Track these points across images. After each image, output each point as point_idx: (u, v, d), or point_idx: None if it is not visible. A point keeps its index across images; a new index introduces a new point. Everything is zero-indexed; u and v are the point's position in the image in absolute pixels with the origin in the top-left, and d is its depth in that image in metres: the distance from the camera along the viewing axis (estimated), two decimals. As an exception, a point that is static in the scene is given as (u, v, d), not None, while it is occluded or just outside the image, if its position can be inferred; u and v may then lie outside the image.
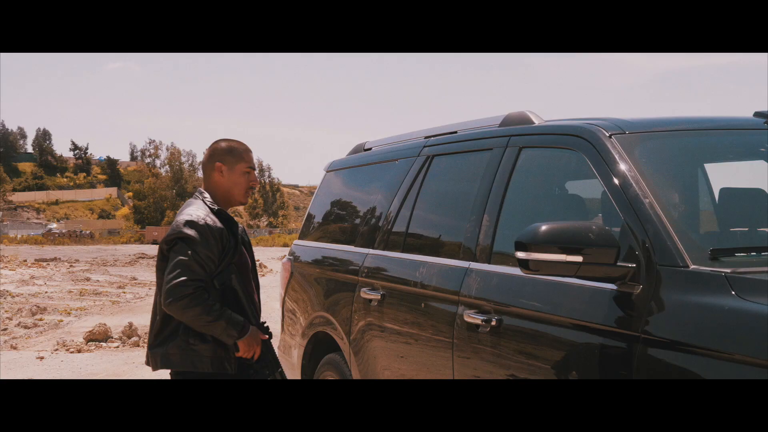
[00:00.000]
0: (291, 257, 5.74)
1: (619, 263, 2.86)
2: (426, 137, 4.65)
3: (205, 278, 3.62)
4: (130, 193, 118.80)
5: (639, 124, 3.42)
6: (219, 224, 3.70)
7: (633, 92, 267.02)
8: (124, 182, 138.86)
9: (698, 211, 3.37)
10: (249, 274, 3.90)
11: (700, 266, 2.70)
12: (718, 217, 3.70)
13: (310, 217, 5.83)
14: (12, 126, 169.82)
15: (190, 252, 3.59)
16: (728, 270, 2.61)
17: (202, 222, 3.64)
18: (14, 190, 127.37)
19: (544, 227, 2.87)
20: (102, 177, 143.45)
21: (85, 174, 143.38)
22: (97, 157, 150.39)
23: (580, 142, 3.34)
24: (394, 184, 4.63)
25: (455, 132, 4.41)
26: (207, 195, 3.84)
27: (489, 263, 3.60)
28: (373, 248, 4.62)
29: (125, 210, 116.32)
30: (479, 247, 3.70)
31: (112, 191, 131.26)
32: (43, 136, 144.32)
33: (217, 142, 3.93)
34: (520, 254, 2.90)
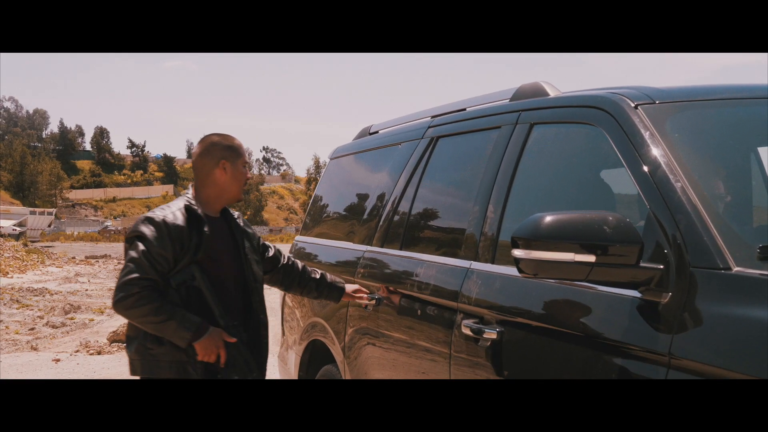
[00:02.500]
0: (291, 255, 5.19)
1: (642, 264, 2.24)
2: (432, 117, 4.06)
3: (156, 277, 3.37)
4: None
5: (673, 92, 2.77)
6: (180, 222, 3.47)
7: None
8: (181, 179, 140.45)
9: (746, 200, 2.69)
10: (225, 272, 3.58)
11: (746, 269, 2.07)
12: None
13: (312, 209, 5.29)
14: (71, 124, 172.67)
15: (143, 250, 3.38)
16: (784, 274, 1.98)
17: (159, 219, 3.45)
18: (72, 187, 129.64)
19: (547, 218, 2.28)
20: (159, 174, 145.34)
21: (142, 171, 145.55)
22: (154, 155, 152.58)
23: (599, 115, 2.72)
24: (396, 172, 4.05)
25: (463, 109, 3.80)
26: (190, 193, 3.65)
27: (492, 263, 3.01)
28: (371, 245, 4.05)
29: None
30: (482, 244, 3.10)
31: (169, 188, 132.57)
32: (101, 134, 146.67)
33: (210, 137, 3.73)
34: (518, 252, 2.32)
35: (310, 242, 5.08)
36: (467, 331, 2.92)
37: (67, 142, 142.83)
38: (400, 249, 3.76)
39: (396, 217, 3.94)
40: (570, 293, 2.51)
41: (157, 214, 3.49)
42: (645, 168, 2.44)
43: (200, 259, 3.46)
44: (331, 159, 5.22)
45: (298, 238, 5.31)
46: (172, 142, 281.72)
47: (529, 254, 2.29)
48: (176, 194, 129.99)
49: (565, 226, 2.26)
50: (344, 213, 4.77)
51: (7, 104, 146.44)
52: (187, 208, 3.54)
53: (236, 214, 3.78)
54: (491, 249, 3.04)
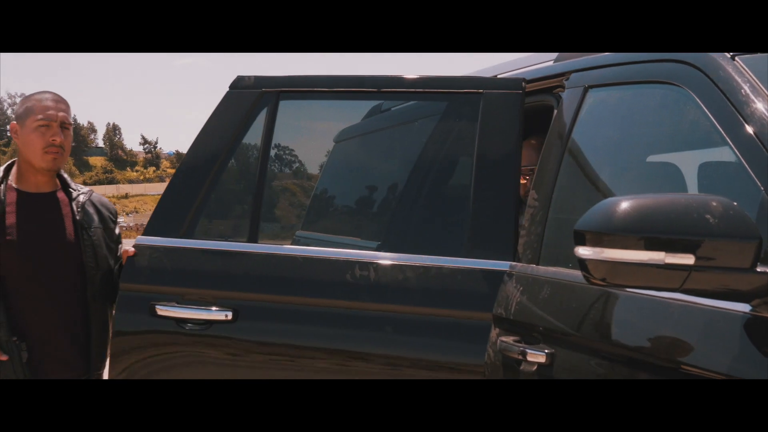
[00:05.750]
0: None
1: (759, 269, 1.60)
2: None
3: None
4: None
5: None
6: None
7: None
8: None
9: None
10: (38, 262, 2.98)
11: None
12: None
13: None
14: (83, 121, 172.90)
15: None
16: None
17: None
18: (85, 183, 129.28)
19: (624, 204, 1.64)
20: (171, 171, 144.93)
21: (154, 168, 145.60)
22: (167, 152, 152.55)
23: (683, 71, 2.07)
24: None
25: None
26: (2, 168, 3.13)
27: (537, 264, 2.36)
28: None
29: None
30: (523, 241, 2.46)
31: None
32: (114, 131, 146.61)
33: None
34: (584, 251, 1.68)
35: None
36: (506, 351, 2.28)
37: (79, 138, 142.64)
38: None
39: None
40: (653, 306, 1.86)
41: None
42: (754, 136, 1.80)
43: None
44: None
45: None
46: (185, 138, 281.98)
47: (600, 253, 1.66)
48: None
49: (651, 215, 1.62)
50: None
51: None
52: None
53: (84, 189, 3.21)
54: (535, 246, 2.40)
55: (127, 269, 2.84)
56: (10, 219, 2.98)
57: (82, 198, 3.13)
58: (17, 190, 3.05)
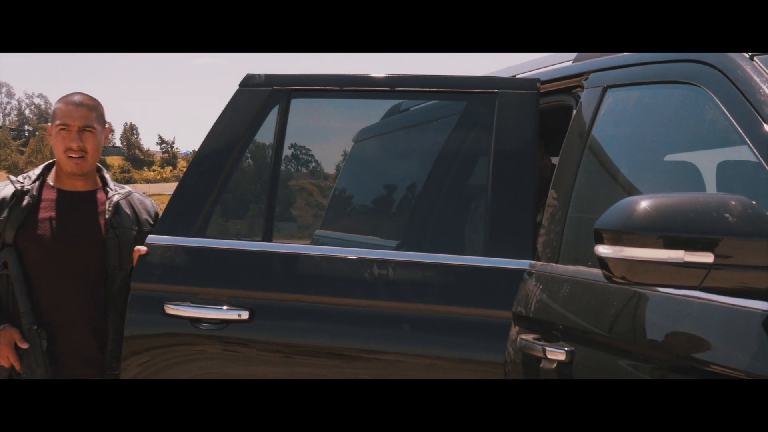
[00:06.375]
0: None
1: (778, 266, 1.61)
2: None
3: None
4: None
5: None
6: None
7: None
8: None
9: None
10: (64, 259, 3.03)
11: None
12: None
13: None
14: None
15: None
16: None
17: None
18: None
19: (643, 204, 1.67)
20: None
21: (171, 168, 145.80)
22: (184, 151, 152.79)
23: (702, 72, 2.09)
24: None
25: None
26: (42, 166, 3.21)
27: (557, 263, 2.39)
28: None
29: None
30: (542, 240, 2.48)
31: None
32: (131, 131, 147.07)
33: None
34: (604, 249, 1.71)
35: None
36: (527, 349, 2.30)
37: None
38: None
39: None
40: (672, 304, 1.88)
41: None
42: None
43: (18, 242, 2.98)
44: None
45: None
46: (201, 138, 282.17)
47: (620, 252, 1.68)
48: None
49: (670, 214, 1.65)
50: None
51: (36, 100, 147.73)
52: (24, 179, 3.10)
53: (123, 189, 3.24)
54: (554, 245, 2.42)
55: (138, 269, 2.80)
56: (42, 214, 3.04)
57: (116, 198, 3.15)
58: (54, 188, 3.11)
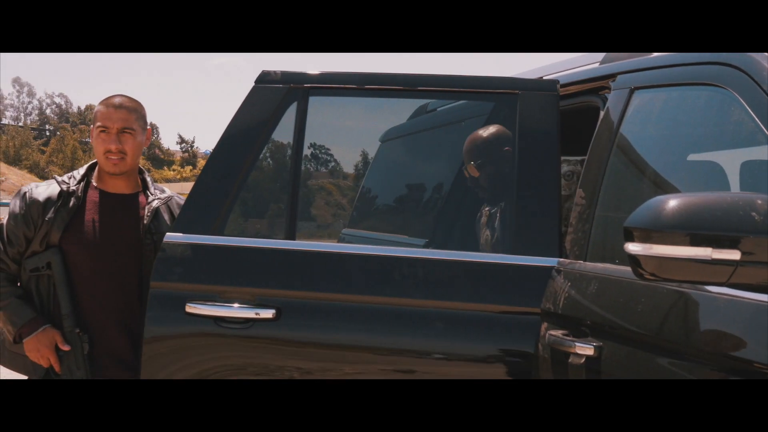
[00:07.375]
0: None
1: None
2: None
3: (6, 258, 3.08)
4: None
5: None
6: (40, 196, 3.08)
7: None
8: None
9: None
10: (104, 261, 3.08)
11: None
12: None
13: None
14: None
15: (3, 225, 3.11)
16: None
17: (24, 191, 3.14)
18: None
19: (672, 202, 1.73)
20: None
21: (191, 167, 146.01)
22: (203, 151, 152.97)
23: (726, 73, 2.14)
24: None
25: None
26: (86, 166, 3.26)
27: (585, 260, 2.44)
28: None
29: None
30: (570, 238, 2.54)
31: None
32: (152, 130, 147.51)
33: None
34: (634, 247, 1.76)
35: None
36: (556, 345, 2.36)
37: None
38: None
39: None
40: (699, 300, 1.94)
41: (31, 185, 3.17)
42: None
43: (62, 243, 3.03)
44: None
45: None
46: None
47: (649, 249, 1.74)
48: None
49: (698, 213, 1.70)
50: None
51: (57, 100, 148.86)
52: (69, 179, 3.15)
53: (163, 194, 3.27)
54: (582, 243, 2.47)
55: (158, 267, 2.76)
56: (87, 216, 3.08)
57: (155, 203, 3.18)
58: (98, 189, 3.16)
